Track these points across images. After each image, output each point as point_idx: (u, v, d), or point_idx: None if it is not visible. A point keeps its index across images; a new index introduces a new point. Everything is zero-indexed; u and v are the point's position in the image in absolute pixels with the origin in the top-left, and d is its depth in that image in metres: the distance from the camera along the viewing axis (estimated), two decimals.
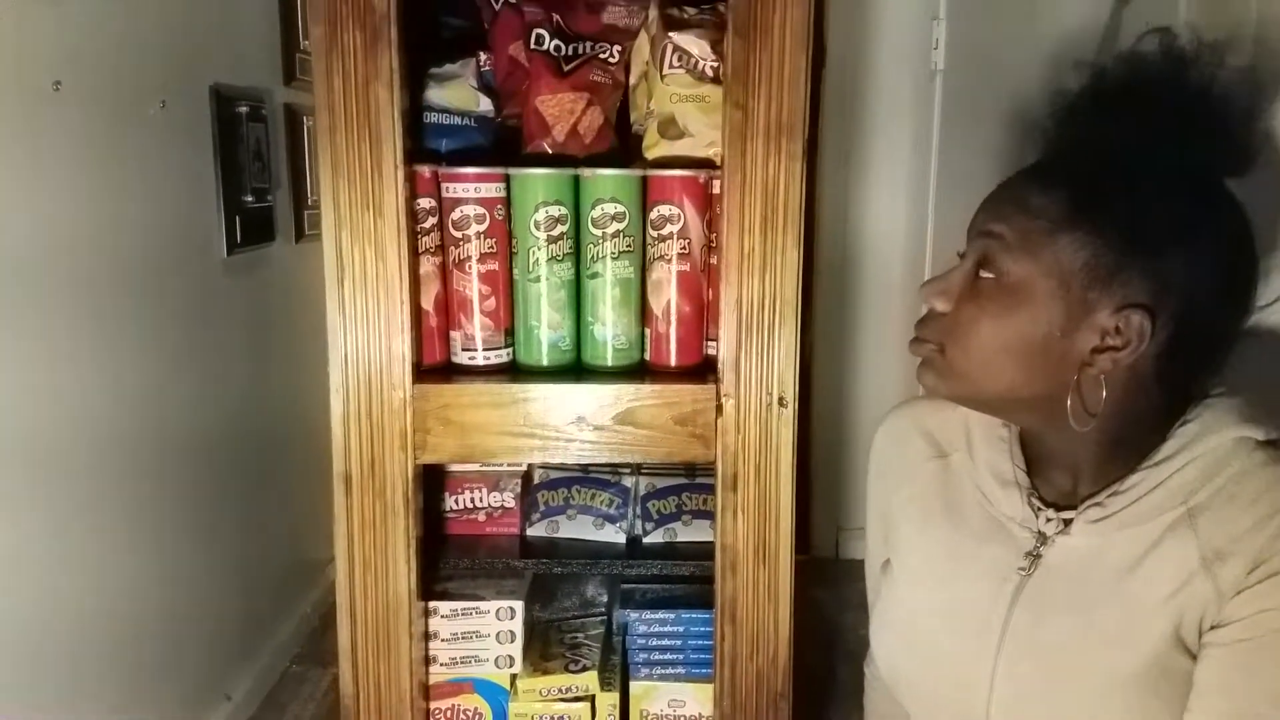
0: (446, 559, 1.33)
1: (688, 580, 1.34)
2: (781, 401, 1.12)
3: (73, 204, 1.12)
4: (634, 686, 1.28)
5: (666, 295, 1.15)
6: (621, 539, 1.42)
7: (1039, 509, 0.82)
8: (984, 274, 0.76)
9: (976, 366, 0.77)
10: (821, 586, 1.99)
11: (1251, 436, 0.75)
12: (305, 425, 1.85)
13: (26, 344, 1.04)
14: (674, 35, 1.14)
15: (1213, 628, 0.71)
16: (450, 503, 1.43)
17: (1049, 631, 0.78)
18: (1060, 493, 0.82)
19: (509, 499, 1.44)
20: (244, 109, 1.48)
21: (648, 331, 1.18)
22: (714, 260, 1.15)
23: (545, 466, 1.47)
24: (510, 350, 1.18)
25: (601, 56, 1.17)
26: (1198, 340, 0.75)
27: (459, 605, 1.24)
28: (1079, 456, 0.80)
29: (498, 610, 1.25)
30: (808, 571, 1.84)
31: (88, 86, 1.13)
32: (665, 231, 1.13)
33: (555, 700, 1.23)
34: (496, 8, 1.19)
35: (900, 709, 1.02)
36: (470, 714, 1.27)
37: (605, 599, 1.39)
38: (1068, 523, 0.79)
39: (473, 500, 1.44)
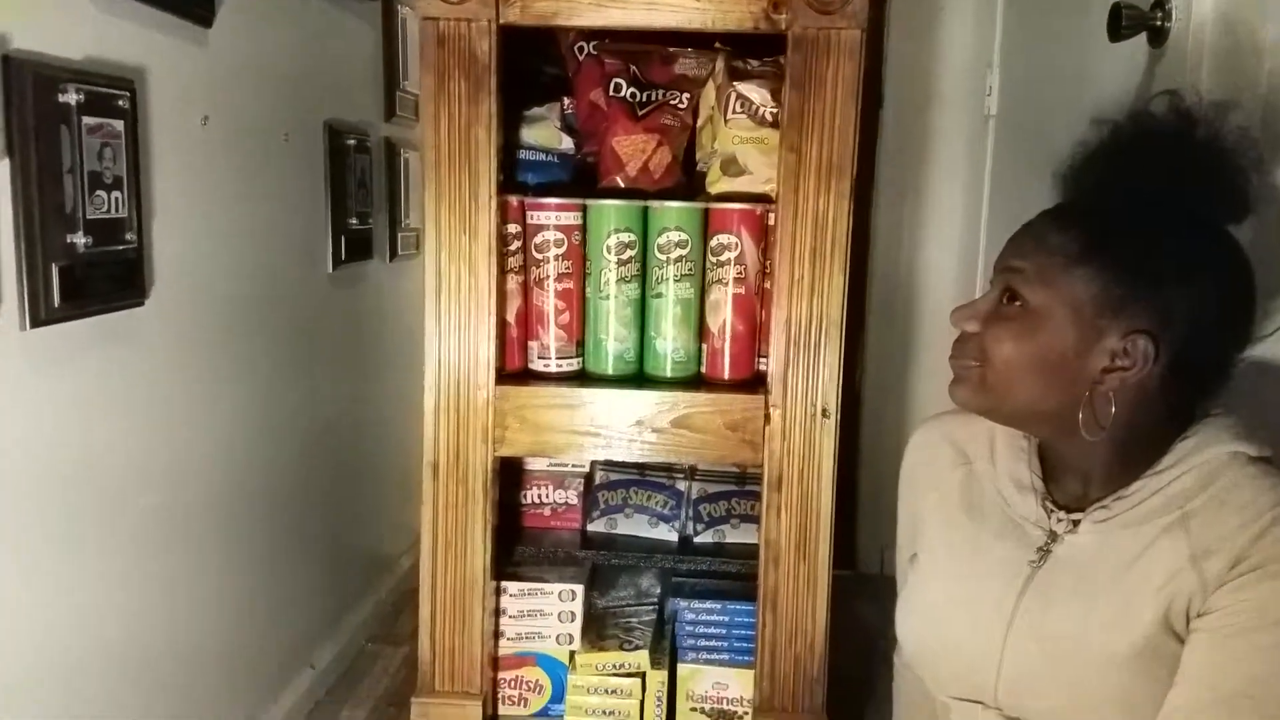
0: (517, 546, 1.47)
1: (734, 577, 1.45)
2: (825, 413, 1.24)
3: (214, 220, 1.30)
4: (681, 669, 1.39)
5: (723, 315, 1.28)
6: (674, 537, 1.54)
7: (1051, 511, 0.91)
8: (1008, 302, 0.87)
9: (1002, 381, 0.88)
10: (864, 600, 2.07)
11: (1244, 452, 0.84)
12: (389, 428, 2.02)
13: (173, 339, 1.22)
14: (738, 84, 1.28)
15: (1198, 615, 0.80)
16: (520, 496, 1.57)
17: (1054, 617, 0.87)
18: (1071, 497, 0.92)
19: (573, 496, 1.58)
20: (352, 142, 1.67)
21: (704, 347, 1.30)
22: (767, 284, 1.27)
23: (606, 468, 1.60)
24: (580, 360, 1.32)
25: (672, 102, 1.32)
26: (1198, 364, 0.85)
27: (526, 586, 1.37)
28: (1090, 465, 0.89)
29: (560, 592, 1.38)
30: (852, 587, 1.93)
31: (228, 121, 1.32)
32: (724, 258, 1.26)
33: (610, 675, 1.35)
34: (580, 58, 1.35)
35: (923, 695, 1.12)
36: (532, 685, 1.40)
37: (658, 590, 1.51)
38: (1076, 523, 0.89)
39: (540, 496, 1.58)
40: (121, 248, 1.04)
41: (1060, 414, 0.86)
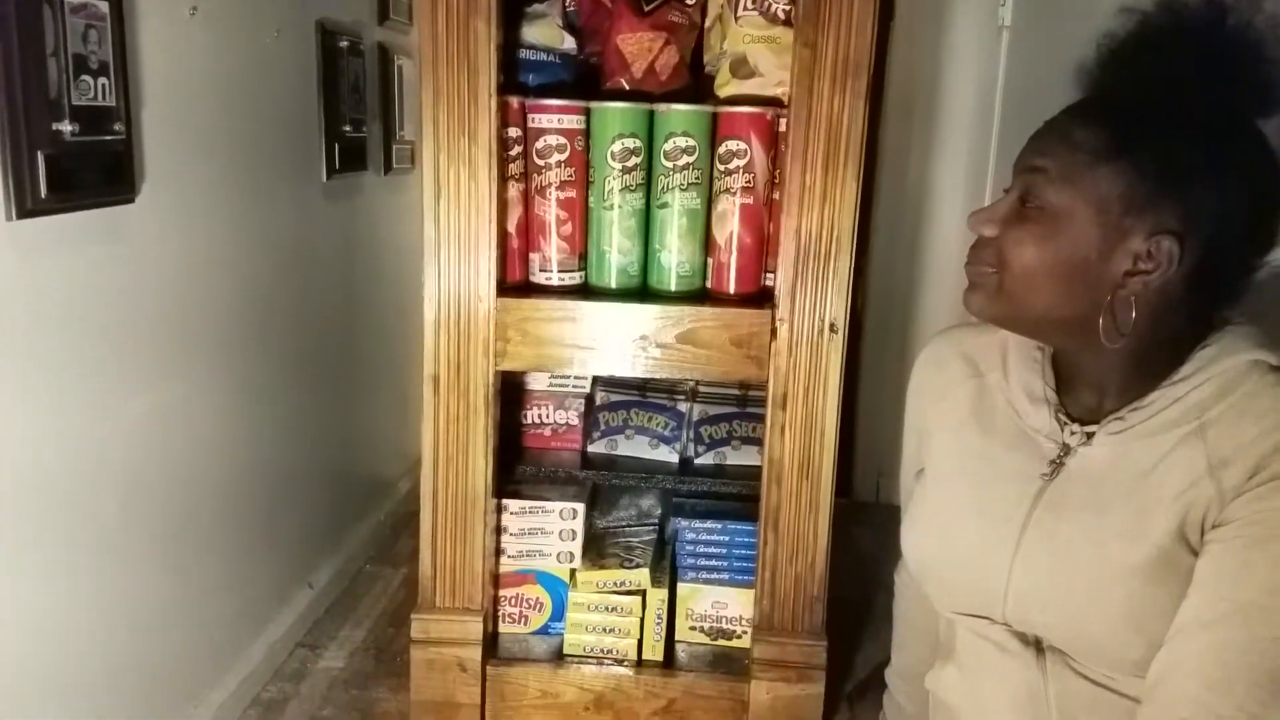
0: (518, 466, 1.45)
1: (735, 498, 1.44)
2: (833, 328, 1.21)
3: (205, 117, 1.24)
4: (681, 587, 1.39)
5: (730, 227, 1.23)
6: (675, 459, 1.53)
7: (1065, 423, 0.89)
8: (1028, 204, 0.83)
9: (1020, 287, 0.84)
10: (860, 526, 2.08)
11: (1265, 360, 0.81)
12: (385, 352, 1.98)
13: (164, 240, 1.17)
14: None
15: (1214, 526, 0.78)
16: (520, 416, 1.55)
17: (1066, 527, 0.85)
18: (1086, 409, 0.89)
19: (573, 417, 1.56)
20: (344, 44, 1.60)
21: (710, 260, 1.26)
22: (776, 195, 1.23)
23: (606, 389, 1.58)
24: (583, 273, 1.28)
25: None
26: (1223, 267, 0.81)
27: (527, 504, 1.36)
28: (1107, 375, 0.86)
29: (561, 510, 1.36)
30: (849, 513, 1.93)
31: (217, 12, 1.25)
32: (732, 166, 1.21)
33: (610, 593, 1.35)
34: None
35: (924, 613, 1.11)
36: (532, 602, 1.39)
37: (659, 511, 1.50)
38: (1090, 435, 0.86)
39: (540, 416, 1.55)
40: (110, 138, 0.99)
41: (1079, 321, 0.83)
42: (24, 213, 0.88)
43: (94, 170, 0.97)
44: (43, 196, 0.89)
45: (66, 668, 1.06)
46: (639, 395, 1.57)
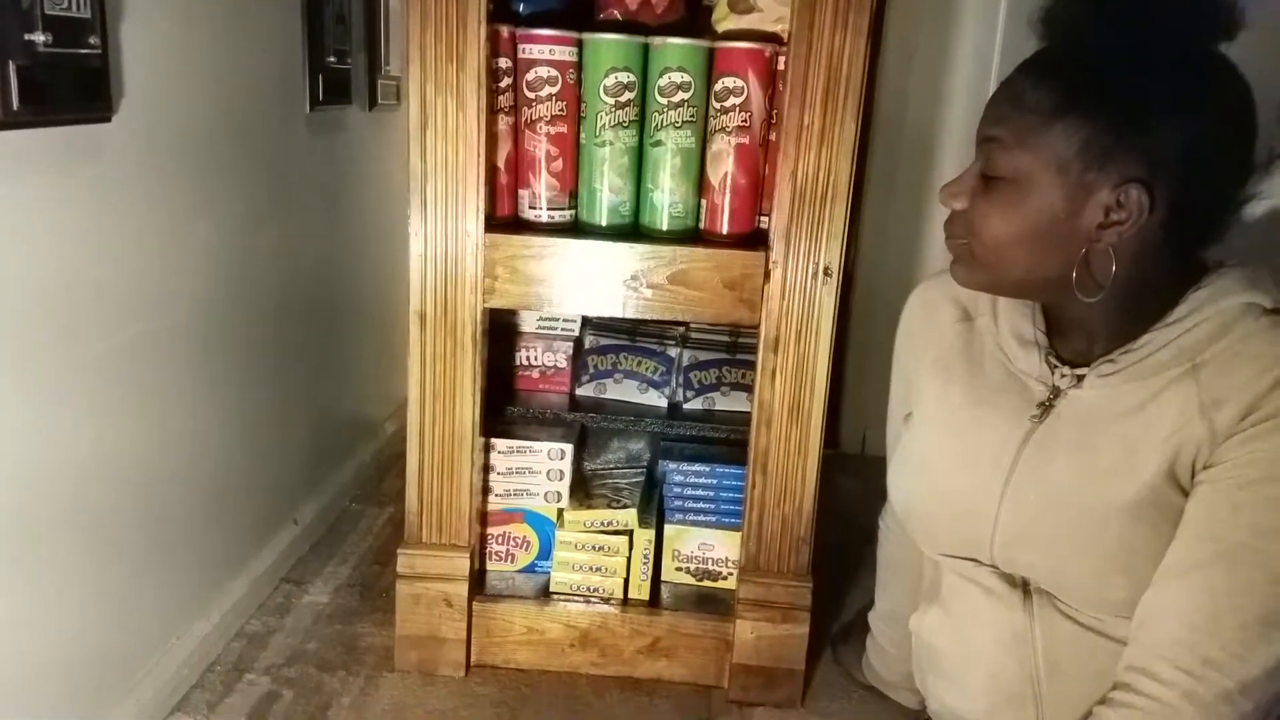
0: (507, 407, 1.44)
1: (723, 442, 1.44)
2: (827, 271, 1.19)
3: (185, 38, 1.20)
4: (668, 529, 1.40)
5: (724, 167, 1.21)
6: (663, 403, 1.52)
7: (1055, 366, 0.88)
8: (991, 174, 0.82)
9: (994, 256, 0.83)
10: (847, 476, 2.09)
11: (1259, 303, 0.80)
12: (370, 291, 1.96)
13: (142, 163, 1.14)
14: None
15: (1205, 467, 0.78)
16: (510, 359, 1.53)
17: (1055, 468, 0.85)
18: (1076, 352, 0.88)
19: (561, 360, 1.54)
20: None
21: (703, 201, 1.24)
22: (773, 136, 1.20)
23: (596, 333, 1.56)
24: (573, 212, 1.26)
25: None
26: (1201, 205, 0.79)
27: (515, 443, 1.35)
28: (1096, 322, 0.86)
29: (549, 451, 1.36)
30: (835, 464, 1.94)
31: None
32: (728, 104, 1.18)
33: (597, 532, 1.35)
34: None
35: (908, 557, 1.12)
36: (519, 541, 1.40)
37: (648, 456, 1.49)
38: (1080, 378, 0.86)
39: (528, 358, 1.54)
40: (85, 52, 0.96)
41: (1061, 279, 0.82)
42: None
43: (68, 84, 0.94)
44: (15, 109, 0.86)
45: (44, 600, 1.05)
46: (628, 339, 1.56)
